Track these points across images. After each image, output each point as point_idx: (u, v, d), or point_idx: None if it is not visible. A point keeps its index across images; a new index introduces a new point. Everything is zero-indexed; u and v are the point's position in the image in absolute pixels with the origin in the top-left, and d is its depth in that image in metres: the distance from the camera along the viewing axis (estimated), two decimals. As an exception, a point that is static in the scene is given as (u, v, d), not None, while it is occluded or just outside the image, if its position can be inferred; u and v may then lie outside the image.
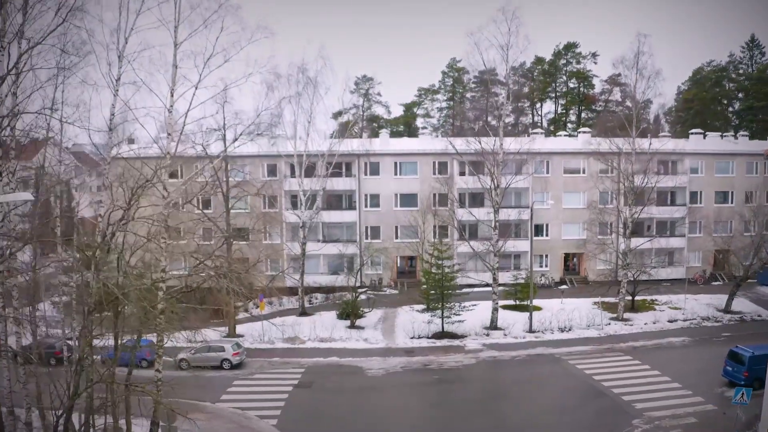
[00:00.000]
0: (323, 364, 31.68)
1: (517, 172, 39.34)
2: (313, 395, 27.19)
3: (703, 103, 72.13)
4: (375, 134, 60.50)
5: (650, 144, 41.07)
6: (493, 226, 37.16)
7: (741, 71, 77.66)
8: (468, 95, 78.02)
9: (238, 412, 25.40)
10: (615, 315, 39.70)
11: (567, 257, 52.52)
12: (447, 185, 41.16)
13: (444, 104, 78.75)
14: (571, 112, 72.88)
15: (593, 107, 69.98)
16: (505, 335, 35.87)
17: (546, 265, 50.67)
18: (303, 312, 42.28)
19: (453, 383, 28.36)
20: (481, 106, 76.54)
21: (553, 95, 72.39)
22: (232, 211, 43.80)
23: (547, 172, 50.37)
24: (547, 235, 50.81)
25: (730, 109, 78.93)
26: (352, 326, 37.98)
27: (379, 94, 74.81)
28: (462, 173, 47.99)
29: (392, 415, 24.77)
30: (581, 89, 70.59)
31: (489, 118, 43.22)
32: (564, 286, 48.43)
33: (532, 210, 37.66)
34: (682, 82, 74.66)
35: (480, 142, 36.79)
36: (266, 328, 36.82)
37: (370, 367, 30.78)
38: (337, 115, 63.41)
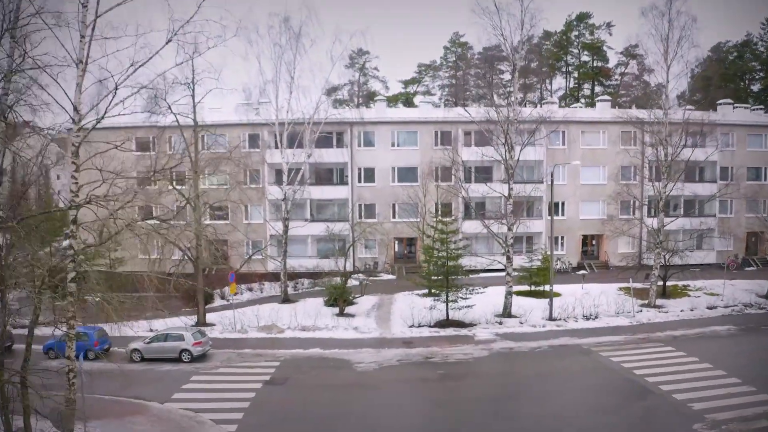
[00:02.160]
0: (303, 357, 26.27)
1: (529, 141, 33.71)
2: (287, 394, 21.76)
3: (724, 79, 66.73)
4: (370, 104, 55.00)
5: (685, 112, 35.65)
6: (507, 194, 31.64)
7: (762, 48, 72.49)
8: (472, 72, 72.59)
9: (190, 414, 20.02)
10: (646, 301, 34.42)
11: (585, 240, 47.08)
12: (451, 157, 35.64)
13: (446, 81, 73.29)
14: (585, 86, 67.47)
15: (607, 82, 64.57)
16: (522, 323, 30.46)
17: (562, 248, 45.22)
18: (286, 298, 36.89)
19: (461, 379, 22.90)
20: (486, 83, 71.35)
21: (565, 70, 67.01)
22: (209, 187, 38.39)
23: (563, 144, 44.93)
24: (563, 214, 45.40)
25: (751, 87, 73.73)
26: (341, 314, 32.57)
27: (376, 68, 69.53)
28: (468, 144, 42.61)
29: (385, 418, 19.38)
30: (594, 62, 65.16)
31: (495, 97, 38.18)
32: (582, 272, 43.15)
33: (552, 179, 32.18)
34: (700, 59, 69.25)
35: (491, 112, 31.24)
36: (239, 316, 31.53)
37: (360, 361, 25.36)
38: (331, 91, 58.22)
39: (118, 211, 18.36)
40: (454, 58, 72.95)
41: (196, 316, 33.65)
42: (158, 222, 21.52)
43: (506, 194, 31.55)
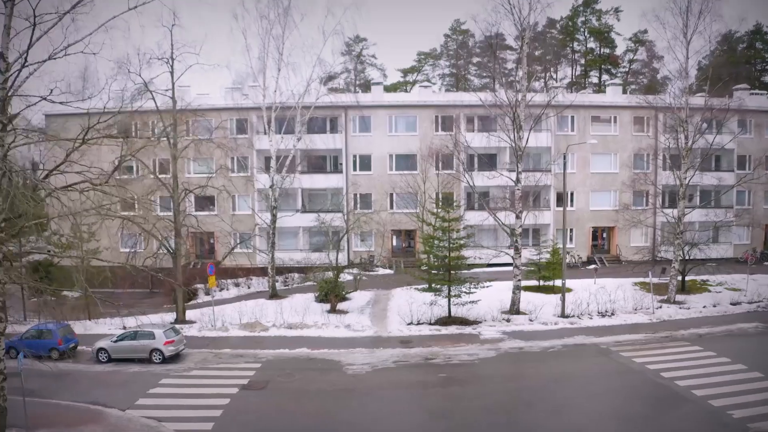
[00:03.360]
0: (287, 358, 23.43)
1: (536, 122, 30.78)
2: (266, 400, 18.92)
3: (735, 66, 63.93)
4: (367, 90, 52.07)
5: (707, 96, 32.85)
6: (515, 179, 28.79)
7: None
8: (474, 60, 69.89)
9: (152, 424, 17.23)
10: (664, 297, 31.65)
11: (595, 233, 44.28)
12: (454, 136, 32.83)
13: (447, 71, 70.41)
14: (593, 74, 64.60)
15: (615, 70, 61.74)
16: (531, 321, 27.65)
17: (571, 241, 42.37)
18: (274, 294, 34.10)
19: (466, 384, 20.08)
20: (489, 68, 68.60)
21: (571, 57, 64.16)
22: (195, 175, 35.44)
23: (572, 130, 42.09)
24: (572, 205, 42.55)
25: (764, 77, 70.93)
26: (333, 310, 29.73)
27: (373, 56, 66.62)
28: (470, 130, 39.77)
29: (378, 430, 16.60)
30: (602, 49, 62.30)
31: (497, 86, 35.40)
32: (593, 266, 40.34)
33: (565, 161, 29.27)
34: (711, 48, 66.48)
35: (499, 92, 28.40)
36: (220, 312, 28.76)
37: (352, 362, 22.53)
38: (326, 80, 55.34)
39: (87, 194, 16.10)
40: (455, 47, 70.06)
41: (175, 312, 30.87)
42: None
43: (514, 179, 28.68)
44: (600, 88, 60.01)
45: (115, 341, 24.01)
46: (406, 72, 67.76)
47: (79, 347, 25.52)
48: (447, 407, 18.10)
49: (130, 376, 21.95)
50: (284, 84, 32.91)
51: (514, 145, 28.08)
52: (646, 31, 59.22)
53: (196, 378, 21.37)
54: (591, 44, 63.52)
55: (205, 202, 42.08)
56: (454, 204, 29.44)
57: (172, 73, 30.47)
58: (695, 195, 43.30)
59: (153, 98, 29.92)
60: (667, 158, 42.70)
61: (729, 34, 69.55)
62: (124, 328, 27.90)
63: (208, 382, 20.74)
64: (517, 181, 28.40)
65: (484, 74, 67.44)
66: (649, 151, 41.87)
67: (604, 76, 62.89)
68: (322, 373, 21.31)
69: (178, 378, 21.46)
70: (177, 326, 26.43)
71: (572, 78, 64.00)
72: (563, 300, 28.44)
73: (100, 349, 23.99)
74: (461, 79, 68.45)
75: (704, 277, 37.40)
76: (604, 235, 44.34)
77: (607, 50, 63.04)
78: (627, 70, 62.33)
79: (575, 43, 63.36)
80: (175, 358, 23.64)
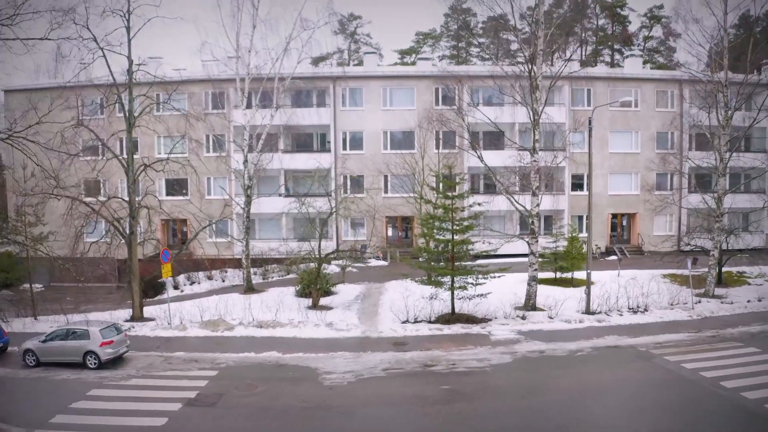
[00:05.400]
0: (251, 364, 18.87)
1: (552, 88, 26.18)
2: (214, 421, 14.40)
3: (755, 44, 59.33)
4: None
5: (749, 69, 28.54)
6: (531, 148, 24.21)
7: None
8: (475, 41, 65.28)
9: (53, 457, 12.75)
10: (701, 290, 27.24)
11: (614, 220, 39.81)
12: (457, 100, 28.36)
13: (447, 52, 65.81)
14: (605, 53, 60.02)
15: (628, 50, 57.18)
16: (551, 318, 23.11)
17: (586, 230, 37.79)
18: (249, 287, 29.58)
19: (475, 399, 15.56)
20: (491, 53, 64.65)
21: (581, 35, 59.54)
22: (163, 156, 30.52)
23: (588, 105, 37.58)
24: (587, 189, 38.00)
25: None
26: (315, 306, 25.21)
27: (368, 35, 62.01)
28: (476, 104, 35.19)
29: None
30: (614, 26, 57.75)
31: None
32: (613, 257, 35.95)
33: (591, 128, 24.65)
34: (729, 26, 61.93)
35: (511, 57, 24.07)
36: (178, 308, 24.37)
37: (331, 370, 17.98)
38: (318, 60, 50.82)
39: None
40: (456, 27, 65.50)
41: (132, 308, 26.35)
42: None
43: (531, 148, 24.12)
44: (613, 66, 55.49)
45: (44, 341, 19.53)
46: (403, 53, 63.17)
47: (10, 348, 21.17)
48: (452, 430, 13.61)
49: (56, 385, 17.53)
50: (261, 44, 28.37)
51: (530, 108, 23.52)
52: (662, 6, 54.79)
53: (133, 389, 16.86)
54: (602, 20, 58.92)
55: (178, 186, 37.68)
56: (459, 177, 24.78)
57: (128, 28, 25.95)
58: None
59: (104, 55, 25.44)
60: (693, 137, 38.41)
61: (746, 15, 65.18)
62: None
63: (146, 395, 16.23)
64: (534, 150, 23.85)
65: (487, 56, 62.86)
66: (674, 129, 37.39)
67: (617, 57, 58.36)
68: (292, 384, 16.76)
69: (112, 388, 16.96)
70: (121, 324, 21.94)
71: (582, 57, 59.44)
72: (588, 294, 23.95)
73: (27, 351, 19.53)
74: (463, 62, 64.01)
75: (740, 269, 33.26)
76: (624, 222, 39.83)
77: (619, 28, 58.51)
78: (642, 48, 57.80)
79: (585, 21, 58.78)
80: (115, 362, 19.18)
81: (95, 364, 18.90)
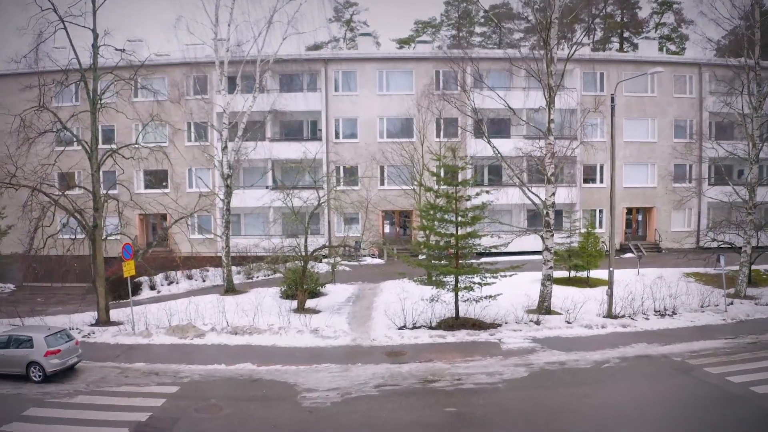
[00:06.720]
0: (220, 378, 15.99)
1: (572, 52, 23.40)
2: (163, 456, 11.58)
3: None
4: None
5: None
6: (546, 128, 21.36)
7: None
8: (477, 30, 62.64)
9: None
10: (731, 291, 24.46)
11: (628, 216, 37.00)
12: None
13: (448, 42, 62.88)
14: (614, 40, 57.21)
15: (638, 36, 54.34)
16: (569, 323, 20.25)
17: (600, 225, 35.11)
18: (230, 288, 26.76)
19: (488, 425, 12.73)
20: (493, 43, 62.00)
21: (588, 22, 56.66)
22: (141, 145, 27.56)
23: (600, 90, 34.78)
24: (601, 181, 35.29)
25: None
26: (301, 309, 22.34)
27: (365, 23, 59.02)
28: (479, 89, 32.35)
29: None
30: (623, 12, 54.89)
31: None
32: (629, 254, 33.16)
33: (613, 106, 21.79)
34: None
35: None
36: (143, 311, 21.51)
37: (313, 386, 15.10)
38: (311, 50, 47.93)
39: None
40: (457, 15, 62.65)
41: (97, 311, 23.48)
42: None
43: (545, 128, 21.26)
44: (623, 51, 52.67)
45: (-20, 351, 16.73)
46: (401, 42, 60.20)
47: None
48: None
49: (-16, 406, 14.69)
50: (242, 18, 25.49)
51: (546, 80, 20.68)
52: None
53: (76, 408, 14.01)
54: (610, 6, 56.00)
55: (157, 179, 34.84)
56: (463, 161, 21.91)
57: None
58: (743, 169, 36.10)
59: (65, 28, 22.62)
60: (713, 125, 35.67)
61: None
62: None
63: (90, 416, 13.39)
64: (549, 131, 21.00)
65: (489, 45, 60.19)
66: (694, 116, 34.64)
67: (626, 46, 55.43)
68: (264, 405, 13.89)
69: (53, 407, 14.13)
70: (78, 330, 19.14)
71: (592, 43, 56.63)
72: (610, 295, 21.11)
73: (-37, 362, 16.73)
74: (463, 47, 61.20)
75: (766, 267, 30.55)
76: (639, 217, 36.98)
77: (629, 14, 55.60)
78: (653, 35, 54.88)
79: (593, 8, 55.90)
80: (65, 373, 16.38)
81: (39, 376, 16.09)
